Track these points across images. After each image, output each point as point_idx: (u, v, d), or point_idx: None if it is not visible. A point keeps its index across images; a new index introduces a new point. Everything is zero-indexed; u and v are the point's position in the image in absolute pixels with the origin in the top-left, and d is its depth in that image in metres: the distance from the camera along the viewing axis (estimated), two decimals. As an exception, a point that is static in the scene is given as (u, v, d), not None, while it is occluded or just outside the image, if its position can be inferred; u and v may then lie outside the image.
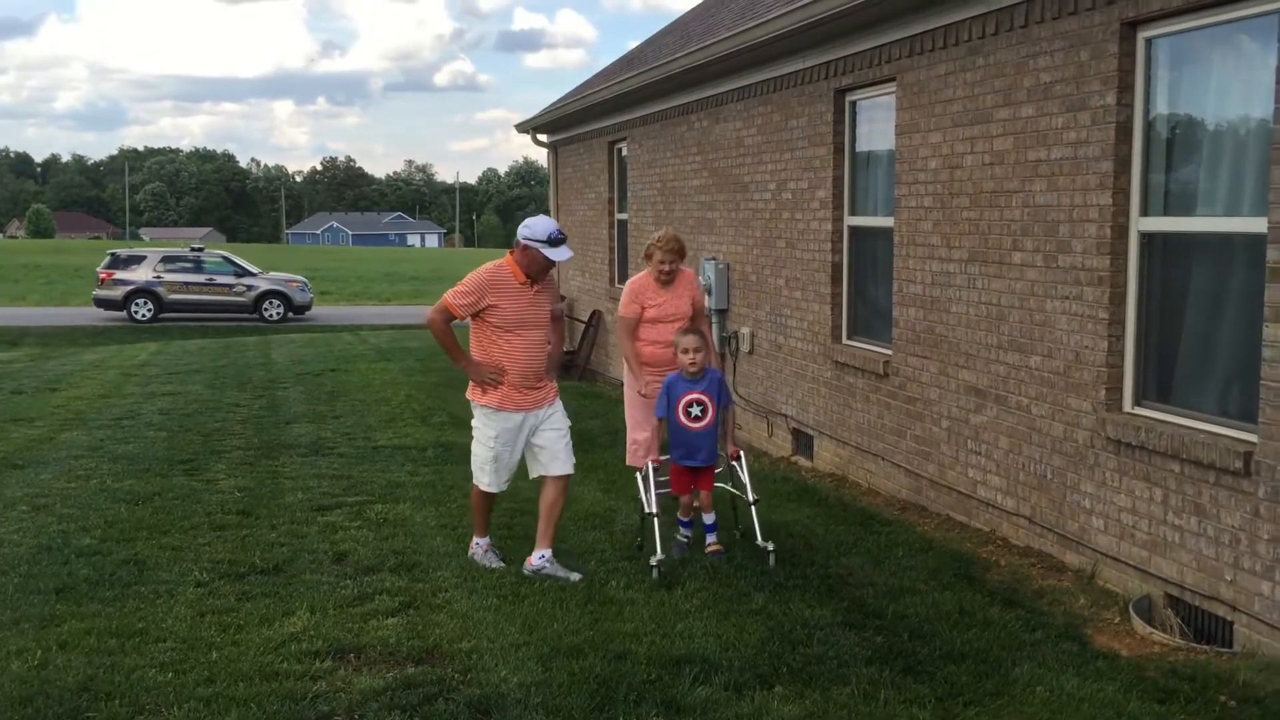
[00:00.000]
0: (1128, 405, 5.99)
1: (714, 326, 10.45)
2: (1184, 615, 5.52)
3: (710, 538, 6.52)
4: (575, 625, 5.30)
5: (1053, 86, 6.32)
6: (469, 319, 6.12)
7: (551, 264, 6.11)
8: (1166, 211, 5.81)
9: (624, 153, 14.87)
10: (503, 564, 6.28)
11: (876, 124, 8.63)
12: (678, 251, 7.25)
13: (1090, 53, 6.01)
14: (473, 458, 6.36)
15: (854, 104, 8.88)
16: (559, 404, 6.36)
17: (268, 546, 6.74)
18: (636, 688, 4.54)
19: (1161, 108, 5.81)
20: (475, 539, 6.46)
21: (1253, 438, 5.09)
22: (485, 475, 6.26)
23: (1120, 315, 5.97)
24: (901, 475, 8.12)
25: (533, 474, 6.39)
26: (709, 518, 6.57)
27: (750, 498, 6.52)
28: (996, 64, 6.82)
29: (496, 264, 6.14)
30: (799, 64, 9.30)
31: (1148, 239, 5.87)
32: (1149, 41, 5.78)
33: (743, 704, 4.41)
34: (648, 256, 7.28)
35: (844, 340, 9.13)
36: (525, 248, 6.05)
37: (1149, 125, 5.84)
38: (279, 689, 4.54)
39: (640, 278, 7.39)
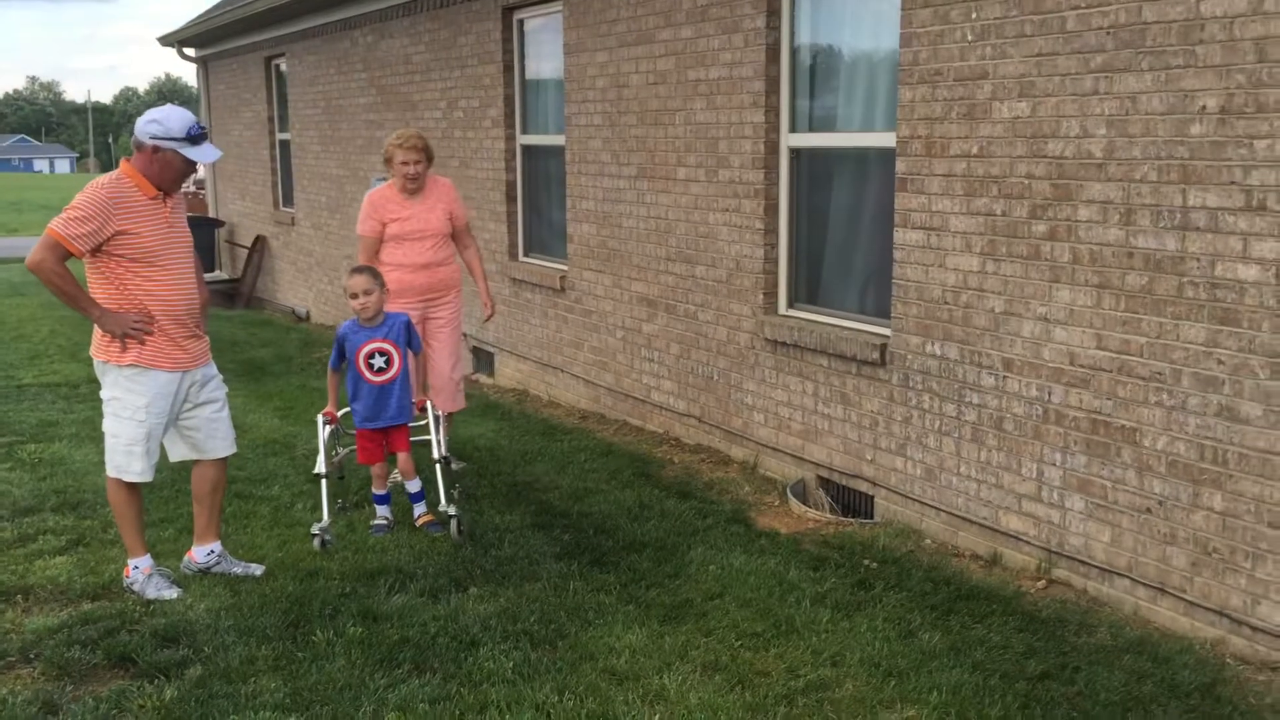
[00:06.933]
0: (783, 308, 6.52)
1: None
2: (834, 494, 6.14)
3: (418, 508, 5.63)
4: (262, 549, 5.23)
5: (709, 9, 6.66)
6: (86, 255, 4.59)
7: (193, 168, 4.72)
8: (812, 128, 6.32)
9: (283, 69, 14.22)
10: (178, 592, 4.75)
11: (545, 43, 8.75)
12: (422, 149, 6.19)
13: (742, -23, 6.36)
14: (110, 442, 4.70)
15: (521, 22, 8.94)
16: (213, 364, 4.96)
17: (-97, 495, 6.14)
18: (331, 602, 4.56)
19: (805, 32, 6.27)
20: (132, 560, 4.78)
21: (886, 331, 5.71)
22: (136, 461, 4.66)
23: (774, 225, 6.46)
24: (581, 386, 8.43)
25: (176, 456, 4.96)
26: (413, 485, 5.63)
27: (436, 454, 5.61)
28: (657, -14, 7.08)
29: (113, 177, 4.61)
30: (465, -20, 9.24)
31: (796, 154, 6.36)
32: (794, -31, 6.20)
33: (439, 607, 4.54)
34: (388, 161, 6.23)
35: (520, 258, 9.29)
36: (155, 149, 4.59)
37: (795, 49, 6.29)
38: (-63, 639, 4.22)
39: (381, 189, 6.34)
